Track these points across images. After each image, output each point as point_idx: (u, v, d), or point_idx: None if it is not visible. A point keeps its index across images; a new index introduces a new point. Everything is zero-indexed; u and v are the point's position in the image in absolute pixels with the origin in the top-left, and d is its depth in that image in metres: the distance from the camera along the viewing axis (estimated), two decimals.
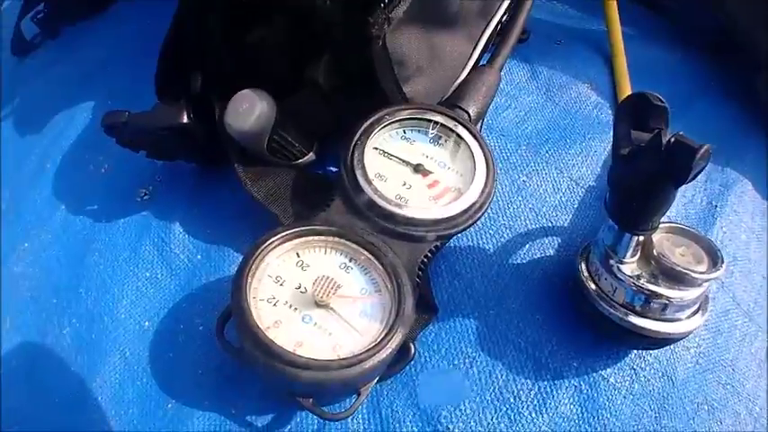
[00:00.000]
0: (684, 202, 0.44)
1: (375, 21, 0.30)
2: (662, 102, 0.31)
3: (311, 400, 0.28)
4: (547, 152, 0.43)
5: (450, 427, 0.32)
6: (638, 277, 0.32)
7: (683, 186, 0.43)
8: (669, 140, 0.27)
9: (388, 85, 0.35)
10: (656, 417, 0.35)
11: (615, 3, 0.53)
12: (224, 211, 0.40)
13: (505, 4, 0.40)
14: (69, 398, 0.36)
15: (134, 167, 0.43)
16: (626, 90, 0.48)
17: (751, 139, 0.50)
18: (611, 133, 0.32)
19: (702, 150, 0.26)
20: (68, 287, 0.40)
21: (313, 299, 0.29)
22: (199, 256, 0.38)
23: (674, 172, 0.27)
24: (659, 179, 0.28)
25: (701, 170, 0.28)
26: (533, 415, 0.33)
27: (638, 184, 0.29)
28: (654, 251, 0.32)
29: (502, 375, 0.34)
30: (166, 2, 0.63)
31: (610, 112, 0.47)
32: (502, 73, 0.41)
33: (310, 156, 0.39)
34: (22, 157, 0.51)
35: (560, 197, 0.41)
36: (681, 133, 0.27)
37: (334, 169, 0.41)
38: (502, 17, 0.41)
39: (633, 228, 0.31)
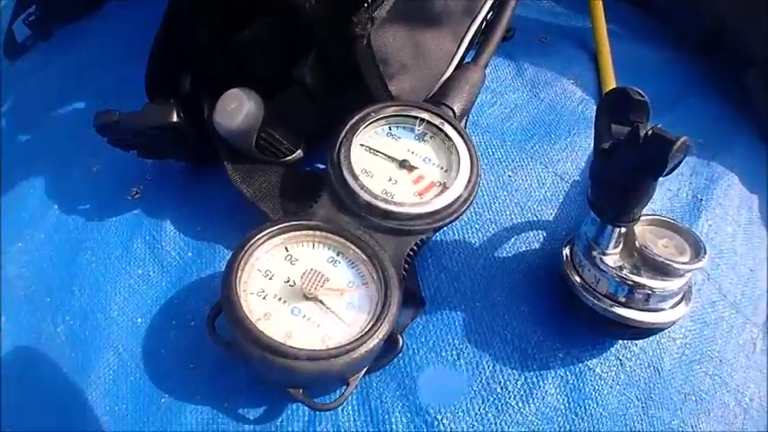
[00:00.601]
0: (670, 195, 0.44)
1: (359, 20, 0.31)
2: (642, 96, 0.32)
3: (301, 390, 0.29)
4: (532, 148, 0.44)
5: (439, 417, 0.33)
6: (621, 268, 0.33)
7: (668, 180, 0.44)
8: (646, 133, 0.28)
9: (373, 82, 0.36)
10: (642, 407, 0.35)
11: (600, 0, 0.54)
12: (214, 209, 0.41)
13: (489, 3, 0.41)
14: (64, 395, 0.36)
15: (125, 167, 0.44)
16: (611, 86, 0.49)
17: (739, 133, 0.51)
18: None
19: (679, 143, 0.27)
20: (61, 286, 0.40)
21: (302, 292, 0.29)
22: (190, 254, 0.39)
23: (651, 164, 0.28)
24: (638, 172, 0.29)
25: (680, 163, 0.28)
26: (520, 405, 0.34)
27: (619, 177, 0.30)
28: (636, 243, 0.33)
29: (489, 366, 0.35)
30: (157, 2, 0.64)
31: (594, 107, 0.47)
32: (487, 70, 0.41)
33: (298, 153, 0.40)
34: (14, 157, 0.51)
35: (545, 192, 0.42)
36: (658, 126, 0.28)
37: (322, 166, 0.42)
38: (486, 15, 0.42)
39: (615, 220, 0.32)
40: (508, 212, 0.40)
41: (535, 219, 0.40)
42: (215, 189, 0.41)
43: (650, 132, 0.28)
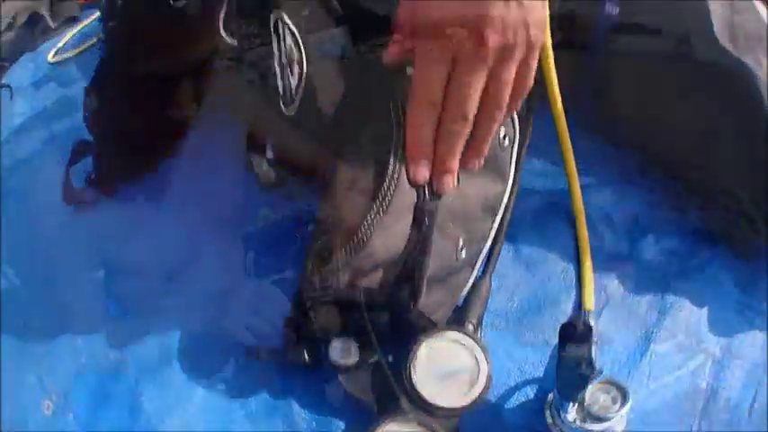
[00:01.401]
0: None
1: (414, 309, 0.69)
2: (586, 324, 0.72)
3: None
4: (528, 321, 0.79)
5: None
6: (575, 421, 0.72)
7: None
8: (578, 362, 0.67)
9: (423, 323, 0.74)
10: None
11: (573, 161, 0.89)
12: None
13: (484, 252, 0.80)
14: None
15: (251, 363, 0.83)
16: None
17: (701, 258, 0.84)
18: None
19: (592, 375, 0.67)
20: None
21: None
22: None
23: (579, 382, 0.68)
24: (575, 379, 0.69)
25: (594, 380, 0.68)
26: None
27: (568, 378, 0.70)
28: (585, 401, 0.74)
29: None
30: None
31: (574, 274, 0.85)
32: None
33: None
34: (139, 342, 0.88)
35: (538, 356, 0.79)
36: (586, 366, 0.68)
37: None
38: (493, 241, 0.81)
39: (567, 398, 0.72)
40: (513, 379, 0.78)
41: (531, 378, 0.79)
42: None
43: (584, 365, 0.67)
